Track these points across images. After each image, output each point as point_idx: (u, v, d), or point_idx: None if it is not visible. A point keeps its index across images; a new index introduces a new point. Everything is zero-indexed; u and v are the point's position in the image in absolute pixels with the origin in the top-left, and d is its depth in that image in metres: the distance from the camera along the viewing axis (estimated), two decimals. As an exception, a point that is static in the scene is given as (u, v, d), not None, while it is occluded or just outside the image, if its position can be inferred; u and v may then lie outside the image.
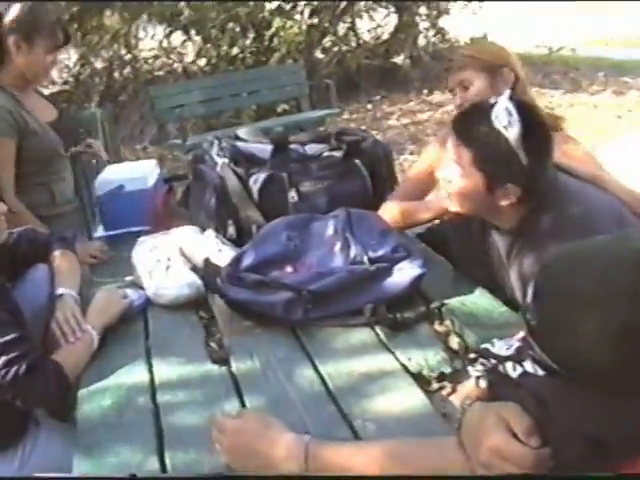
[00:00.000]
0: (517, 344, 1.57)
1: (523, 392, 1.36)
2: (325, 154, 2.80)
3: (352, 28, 11.28)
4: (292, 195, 2.66)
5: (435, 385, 1.90)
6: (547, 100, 10.05)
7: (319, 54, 10.85)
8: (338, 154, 2.79)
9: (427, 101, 10.21)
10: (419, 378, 1.91)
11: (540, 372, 1.44)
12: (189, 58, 10.78)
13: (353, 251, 2.29)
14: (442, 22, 11.50)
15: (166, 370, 2.04)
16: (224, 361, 2.05)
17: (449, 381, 1.91)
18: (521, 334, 1.67)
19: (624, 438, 1.21)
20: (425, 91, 10.54)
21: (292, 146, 2.78)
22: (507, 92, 2.04)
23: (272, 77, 9.00)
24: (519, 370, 1.50)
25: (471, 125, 2.06)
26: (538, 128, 2.02)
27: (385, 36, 11.67)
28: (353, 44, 11.37)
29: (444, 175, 2.17)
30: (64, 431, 2.23)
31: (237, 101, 8.90)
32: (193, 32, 10.24)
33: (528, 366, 1.49)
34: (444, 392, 1.87)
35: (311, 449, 1.50)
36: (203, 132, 8.60)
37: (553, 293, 1.22)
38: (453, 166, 2.10)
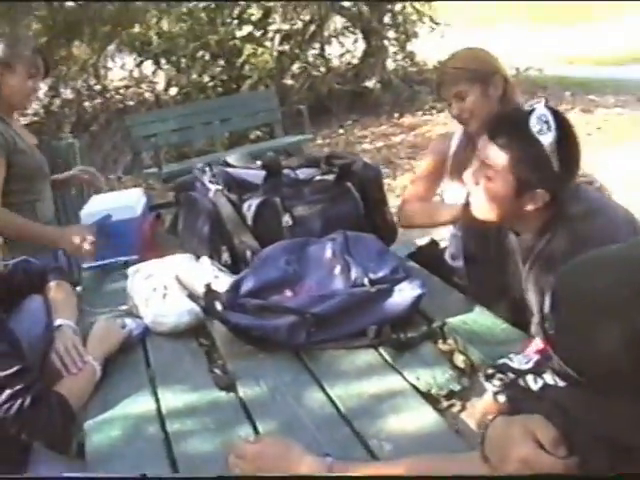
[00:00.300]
0: (536, 357, 1.58)
1: (546, 403, 1.37)
2: (317, 178, 2.79)
3: (321, 54, 11.35)
4: (286, 219, 2.65)
5: (445, 403, 1.91)
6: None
7: (290, 80, 10.89)
8: (330, 177, 2.79)
9: (399, 124, 10.27)
10: (428, 397, 1.92)
11: (561, 383, 1.45)
12: (160, 87, 10.77)
13: (354, 273, 2.29)
14: (410, 46, 11.60)
15: (172, 398, 2.02)
16: (230, 387, 2.04)
17: (458, 399, 1.92)
18: (537, 346, 1.68)
19: None
20: (396, 114, 10.60)
21: (284, 171, 2.78)
22: (543, 100, 2.05)
23: (244, 104, 9.00)
24: (540, 383, 1.51)
25: (508, 129, 2.07)
26: (571, 136, 2.04)
27: (355, 61, 11.76)
28: (323, 69, 11.43)
29: (471, 178, 2.16)
30: (65, 463, 2.20)
31: (210, 129, 8.87)
32: (163, 61, 10.23)
33: (548, 378, 1.50)
34: (454, 410, 1.88)
35: (335, 470, 1.50)
36: (176, 161, 8.59)
37: (571, 302, 1.24)
38: (483, 170, 2.11)
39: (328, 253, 2.40)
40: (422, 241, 3.16)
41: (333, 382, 2.02)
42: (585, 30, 15.89)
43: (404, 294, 2.28)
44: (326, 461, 1.53)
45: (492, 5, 16.57)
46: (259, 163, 2.86)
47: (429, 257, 2.91)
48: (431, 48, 11.41)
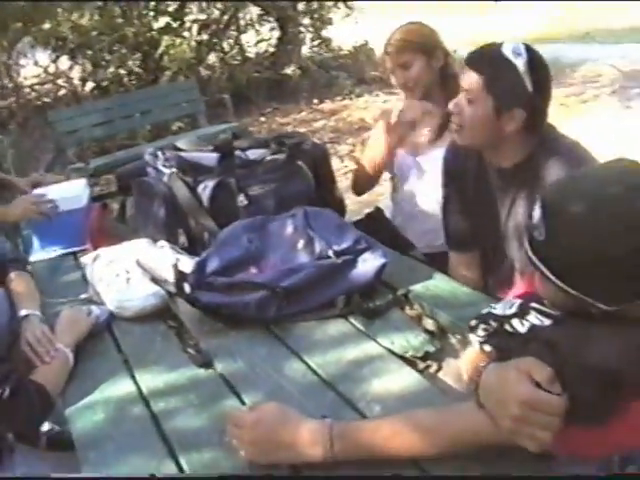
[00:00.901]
0: (518, 301, 1.63)
1: (534, 344, 1.44)
2: (268, 158, 2.81)
3: (238, 43, 11.32)
4: (241, 199, 2.67)
5: (421, 365, 1.95)
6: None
7: (208, 70, 10.84)
8: (281, 157, 2.81)
9: (319, 110, 10.31)
10: (406, 359, 1.97)
11: (546, 321, 1.53)
12: (78, 82, 10.60)
13: (318, 246, 2.33)
14: (326, 32, 11.66)
15: (151, 379, 2.02)
16: (208, 364, 2.05)
17: (434, 360, 1.98)
18: (519, 290, 1.75)
19: (636, 369, 1.29)
20: (315, 101, 10.64)
21: (235, 152, 2.79)
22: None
23: (165, 96, 8.89)
24: (527, 325, 1.56)
25: (484, 55, 2.24)
26: (541, 62, 2.20)
27: (271, 49, 11.76)
28: (240, 58, 11.40)
29: (454, 108, 2.29)
30: (39, 456, 2.19)
31: (131, 122, 8.75)
32: (80, 56, 10.06)
33: (533, 318, 1.56)
34: (431, 370, 1.94)
35: (335, 430, 1.53)
36: (98, 156, 8.47)
37: (561, 211, 1.35)
38: (463, 97, 2.25)
39: (289, 229, 2.43)
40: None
41: (310, 352, 2.05)
42: (498, 14, 16.21)
43: (368, 264, 2.33)
44: (326, 422, 1.56)
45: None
46: (210, 146, 2.86)
47: (375, 224, 3.03)
48: (346, 34, 11.55)
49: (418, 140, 3.00)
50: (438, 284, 2.38)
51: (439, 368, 1.95)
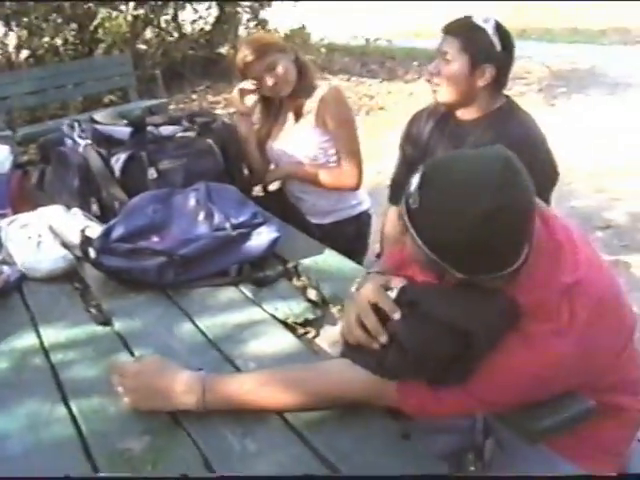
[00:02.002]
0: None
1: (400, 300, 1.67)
2: (179, 134, 3.00)
3: (175, 19, 11.37)
4: (152, 173, 2.84)
5: (301, 330, 2.16)
6: (366, 88, 10.55)
7: (144, 45, 10.88)
8: (192, 134, 3.00)
9: (251, 90, 10.39)
10: (287, 326, 2.18)
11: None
12: (12, 50, 10.54)
13: (216, 219, 2.53)
14: (263, 13, 11.76)
15: (53, 334, 2.19)
16: (107, 322, 2.24)
17: (313, 327, 2.18)
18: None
19: (487, 328, 1.52)
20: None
21: (148, 128, 2.97)
22: None
23: (98, 68, 8.93)
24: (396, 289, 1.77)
25: (459, 23, 2.61)
26: (506, 29, 2.60)
27: (208, 27, 11.81)
28: (176, 35, 11.45)
29: (433, 69, 2.67)
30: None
31: (63, 92, 8.79)
32: (14, 23, 10.02)
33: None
34: (309, 336, 2.14)
35: (208, 381, 1.73)
36: (29, 124, 8.49)
37: (433, 184, 1.52)
38: (440, 62, 2.62)
39: (192, 202, 2.62)
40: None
41: (200, 315, 2.25)
42: (430, 6, 16.47)
43: (262, 237, 2.54)
44: (200, 374, 1.76)
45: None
46: (125, 121, 3.03)
47: (275, 201, 3.26)
48: (283, 16, 11.66)
49: (281, 128, 3.30)
50: (326, 259, 2.61)
51: (316, 334, 2.15)
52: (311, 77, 3.20)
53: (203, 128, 3.02)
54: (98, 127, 2.97)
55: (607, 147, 7.44)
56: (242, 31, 11.77)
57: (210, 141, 3.01)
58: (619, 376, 1.72)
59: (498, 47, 2.54)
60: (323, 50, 12.05)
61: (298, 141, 3.19)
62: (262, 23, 11.64)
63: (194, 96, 10.52)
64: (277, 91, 3.16)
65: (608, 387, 1.70)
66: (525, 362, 1.53)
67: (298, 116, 3.20)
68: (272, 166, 3.39)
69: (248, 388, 1.73)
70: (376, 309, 1.67)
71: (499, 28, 2.56)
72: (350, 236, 3.28)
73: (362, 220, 3.35)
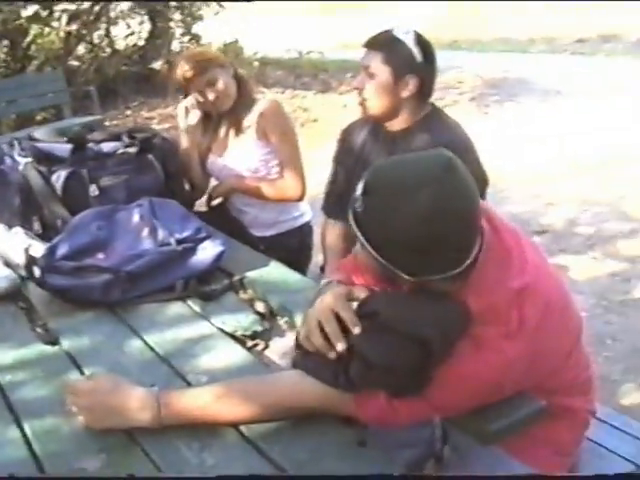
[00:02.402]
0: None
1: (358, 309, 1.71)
2: (120, 151, 2.99)
3: (107, 35, 11.29)
4: (93, 189, 2.84)
5: (250, 343, 2.17)
6: (300, 101, 10.59)
7: (77, 62, 10.78)
8: (132, 150, 2.99)
9: (185, 105, 10.35)
10: (236, 338, 2.19)
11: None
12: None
13: (161, 234, 2.53)
14: (196, 28, 11.75)
15: (0, 355, 2.16)
16: (54, 342, 2.22)
17: (262, 339, 2.19)
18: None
19: (443, 335, 1.56)
20: (181, 96, 10.64)
21: (88, 145, 2.95)
22: None
23: (31, 85, 8.82)
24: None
25: (380, 37, 2.67)
26: (426, 40, 2.66)
27: (141, 42, 11.76)
28: (109, 51, 11.37)
29: (358, 84, 2.72)
30: None
31: (-5, 110, 8.70)
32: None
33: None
34: (259, 348, 2.16)
35: (162, 397, 1.74)
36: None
37: (376, 189, 1.56)
38: (364, 76, 2.67)
39: (136, 218, 2.63)
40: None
41: (149, 331, 2.25)
42: (362, 19, 16.62)
43: (207, 251, 2.56)
44: (153, 391, 1.76)
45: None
46: (65, 138, 3.01)
47: (218, 215, 3.27)
48: (216, 30, 11.67)
49: (221, 142, 3.31)
50: (271, 271, 2.64)
51: (266, 346, 2.17)
52: (250, 91, 3.24)
53: (144, 144, 3.02)
54: (38, 145, 2.95)
55: (540, 153, 7.60)
56: (175, 46, 11.74)
57: (151, 157, 3.02)
58: (568, 377, 1.77)
59: (419, 58, 2.60)
60: (256, 64, 12.07)
61: (239, 155, 3.21)
62: (195, 38, 11.64)
63: (128, 112, 10.45)
64: (218, 106, 3.18)
65: (558, 389, 1.75)
66: (477, 367, 1.57)
67: (238, 130, 3.22)
68: (213, 181, 3.39)
69: (203, 402, 1.74)
70: (337, 318, 1.69)
71: (419, 39, 2.62)
72: (293, 248, 3.31)
73: (304, 231, 3.38)
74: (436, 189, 1.49)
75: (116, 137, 3.09)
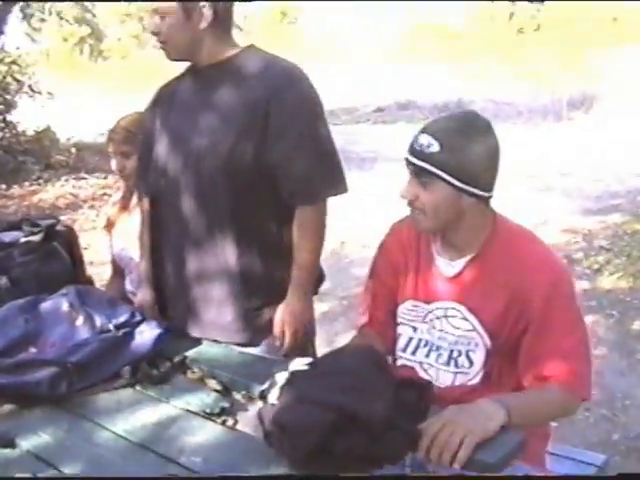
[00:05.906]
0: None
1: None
2: (23, 240, 2.87)
3: None
4: (4, 282, 2.71)
5: (219, 420, 2.11)
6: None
7: None
8: (36, 238, 2.88)
9: (8, 195, 10.02)
10: (203, 416, 2.13)
11: None
12: None
13: (98, 321, 2.43)
14: (11, 116, 11.42)
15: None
16: (10, 444, 2.05)
17: (228, 415, 2.13)
18: None
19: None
20: (3, 186, 10.33)
21: (-12, 236, 2.83)
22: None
23: None
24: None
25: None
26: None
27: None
28: None
29: (155, 28, 2.54)
30: None
31: None
32: None
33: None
34: (229, 424, 2.10)
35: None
36: None
37: (451, 135, 2.12)
38: (157, 17, 2.53)
39: (65, 307, 2.50)
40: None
41: (112, 421, 2.12)
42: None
43: (145, 335, 2.47)
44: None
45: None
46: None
47: None
48: (31, 117, 11.40)
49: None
50: (209, 349, 2.60)
51: (235, 422, 2.10)
52: None
53: (49, 231, 2.91)
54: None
55: (365, 219, 7.95)
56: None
57: (56, 244, 2.92)
58: None
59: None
60: (74, 150, 11.82)
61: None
62: (9, 126, 11.30)
63: None
64: (124, 178, 3.15)
65: None
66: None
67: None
68: None
69: None
70: None
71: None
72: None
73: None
74: (493, 132, 2.14)
75: (14, 226, 2.97)
